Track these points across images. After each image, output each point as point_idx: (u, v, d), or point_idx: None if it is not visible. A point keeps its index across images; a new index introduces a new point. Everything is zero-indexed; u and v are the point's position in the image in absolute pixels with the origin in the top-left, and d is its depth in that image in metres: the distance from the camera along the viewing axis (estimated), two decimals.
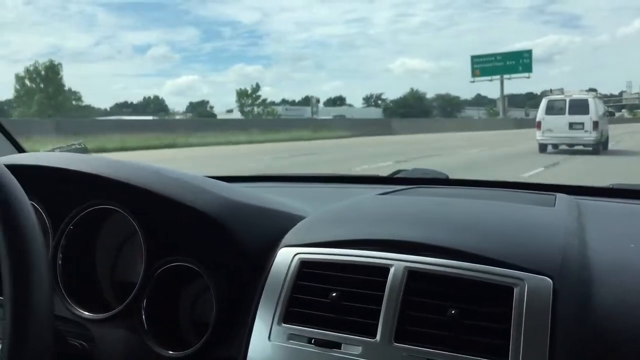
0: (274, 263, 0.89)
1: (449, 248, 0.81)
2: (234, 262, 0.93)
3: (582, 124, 15.59)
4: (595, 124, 15.52)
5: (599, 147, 15.77)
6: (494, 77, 51.31)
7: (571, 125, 15.80)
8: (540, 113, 16.76)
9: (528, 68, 50.05)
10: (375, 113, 65.46)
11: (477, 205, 1.10)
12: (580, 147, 15.87)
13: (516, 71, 50.48)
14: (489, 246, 0.80)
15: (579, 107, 15.84)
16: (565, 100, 16.25)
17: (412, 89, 73.55)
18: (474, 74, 52.42)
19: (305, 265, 0.87)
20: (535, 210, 1.04)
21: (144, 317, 0.94)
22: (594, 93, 17.28)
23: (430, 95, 76.08)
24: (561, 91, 17.34)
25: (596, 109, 15.80)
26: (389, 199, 1.20)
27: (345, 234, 0.90)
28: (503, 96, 51.13)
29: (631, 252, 0.85)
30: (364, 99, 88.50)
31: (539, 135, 16.30)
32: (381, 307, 0.78)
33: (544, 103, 16.80)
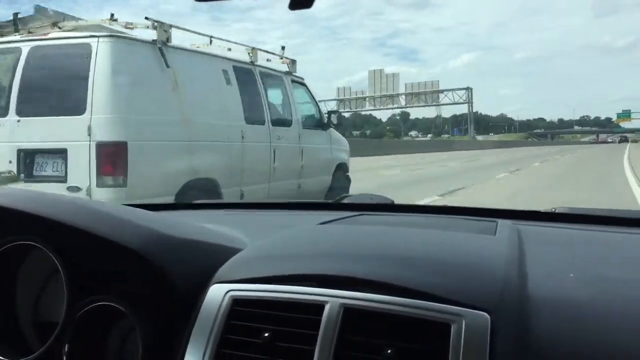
0: (205, 301, 0.85)
1: (386, 283, 0.78)
2: (162, 301, 0.88)
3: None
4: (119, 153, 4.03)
5: None
6: None
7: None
8: None
9: None
10: None
11: (418, 235, 1.08)
12: None
13: None
14: (427, 280, 0.78)
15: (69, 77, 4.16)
16: (19, 51, 4.26)
17: None
18: None
19: (237, 303, 0.82)
20: (476, 240, 1.02)
21: None
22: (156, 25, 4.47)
23: None
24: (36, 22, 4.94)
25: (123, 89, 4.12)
26: (330, 229, 1.17)
27: (280, 269, 0.86)
28: None
29: (570, 281, 0.84)
30: None
31: None
32: (315, 347, 0.74)
33: None
